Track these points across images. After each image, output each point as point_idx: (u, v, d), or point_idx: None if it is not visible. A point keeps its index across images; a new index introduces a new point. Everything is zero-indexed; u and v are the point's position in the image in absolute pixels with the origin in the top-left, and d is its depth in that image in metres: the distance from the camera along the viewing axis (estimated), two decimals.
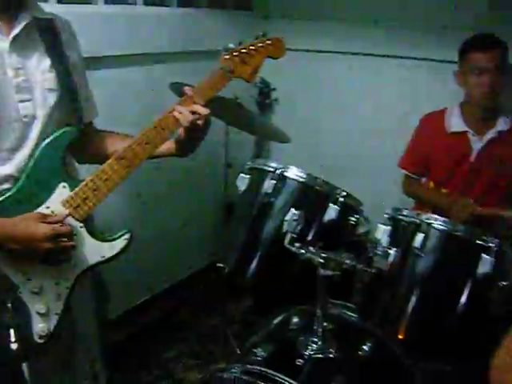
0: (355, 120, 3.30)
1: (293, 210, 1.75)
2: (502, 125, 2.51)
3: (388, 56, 3.15)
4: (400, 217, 1.80)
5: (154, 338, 3.00)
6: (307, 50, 3.36)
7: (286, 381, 1.57)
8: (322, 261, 1.60)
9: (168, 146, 1.63)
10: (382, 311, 1.81)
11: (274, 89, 3.45)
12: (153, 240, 2.99)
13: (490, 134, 2.52)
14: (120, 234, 1.50)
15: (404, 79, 3.12)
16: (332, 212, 1.82)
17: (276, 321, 1.97)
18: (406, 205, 2.49)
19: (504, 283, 1.75)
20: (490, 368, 1.00)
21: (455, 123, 2.56)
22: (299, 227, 1.70)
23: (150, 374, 2.77)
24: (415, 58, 3.02)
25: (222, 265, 2.05)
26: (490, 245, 1.66)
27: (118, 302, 2.85)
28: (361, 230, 1.98)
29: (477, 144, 2.53)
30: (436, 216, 1.73)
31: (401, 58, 3.10)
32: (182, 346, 2.99)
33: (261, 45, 1.69)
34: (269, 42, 1.71)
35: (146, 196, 2.93)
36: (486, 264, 1.65)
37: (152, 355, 2.89)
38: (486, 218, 2.31)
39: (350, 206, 1.88)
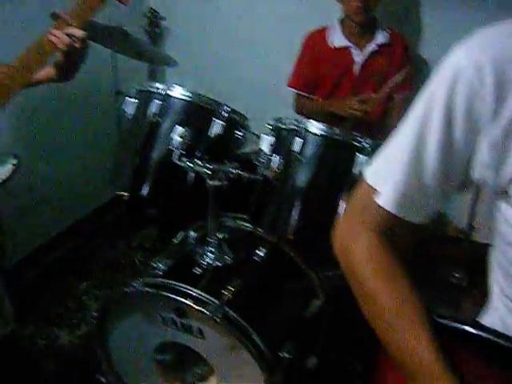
0: (244, 43, 3.34)
1: (179, 127, 1.79)
2: (380, 38, 2.63)
3: None
4: (281, 125, 1.87)
5: (64, 273, 3.02)
6: None
7: (186, 289, 1.67)
8: (209, 172, 1.68)
9: (47, 71, 1.63)
10: (271, 216, 1.90)
11: (163, 18, 3.43)
12: (51, 177, 2.98)
13: (370, 47, 2.63)
14: (6, 159, 1.50)
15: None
16: (217, 127, 1.87)
17: (175, 240, 2.05)
18: None
19: None
20: (332, 238, 1.06)
21: (337, 39, 2.66)
22: (186, 143, 1.76)
23: (64, 309, 2.81)
24: None
25: (121, 193, 2.07)
26: (364, 145, 1.75)
27: (24, 241, 2.85)
28: (251, 147, 2.05)
29: (358, 57, 2.65)
30: (313, 121, 1.80)
31: None
32: (92, 278, 3.03)
33: None
34: None
35: (37, 131, 2.88)
36: (361, 164, 1.75)
37: (63, 290, 2.92)
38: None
39: (235, 121, 1.93)
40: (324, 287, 1.94)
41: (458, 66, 0.84)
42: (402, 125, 0.95)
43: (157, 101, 1.88)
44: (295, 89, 2.82)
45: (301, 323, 1.87)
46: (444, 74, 0.87)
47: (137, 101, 1.97)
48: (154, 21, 3.38)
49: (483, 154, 0.85)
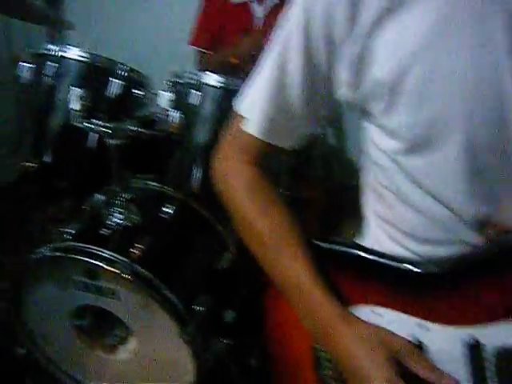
0: (145, 2, 3.34)
1: (76, 89, 1.75)
2: None
3: None
4: (178, 80, 1.86)
5: None
6: None
7: (94, 250, 1.65)
8: (108, 131, 1.65)
9: None
10: (176, 173, 1.91)
11: None
12: None
13: (270, 1, 2.63)
14: None
15: None
16: (115, 87, 1.84)
17: (84, 205, 2.03)
18: None
19: None
20: (210, 170, 1.09)
21: None
22: (85, 105, 1.72)
23: None
24: None
25: (29, 163, 2.03)
26: None
27: None
28: (155, 107, 2.03)
29: (259, 12, 2.65)
30: (209, 73, 1.81)
31: None
32: (6, 255, 2.96)
33: None
34: None
35: None
36: None
37: None
38: None
39: (134, 80, 1.91)
40: (234, 240, 1.96)
41: None
42: (267, 53, 0.97)
43: (51, 63, 1.84)
44: (197, 46, 2.80)
45: (213, 276, 1.89)
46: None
47: (32, 65, 1.92)
48: None
49: (342, 74, 0.88)
